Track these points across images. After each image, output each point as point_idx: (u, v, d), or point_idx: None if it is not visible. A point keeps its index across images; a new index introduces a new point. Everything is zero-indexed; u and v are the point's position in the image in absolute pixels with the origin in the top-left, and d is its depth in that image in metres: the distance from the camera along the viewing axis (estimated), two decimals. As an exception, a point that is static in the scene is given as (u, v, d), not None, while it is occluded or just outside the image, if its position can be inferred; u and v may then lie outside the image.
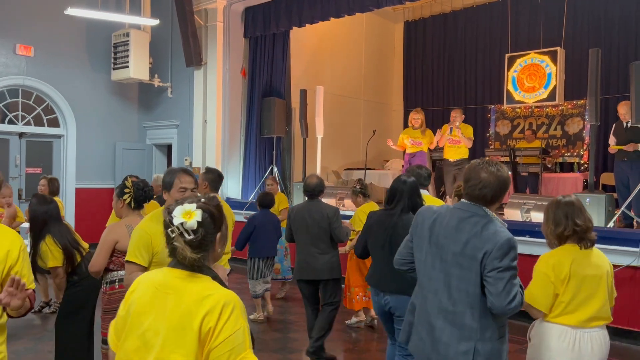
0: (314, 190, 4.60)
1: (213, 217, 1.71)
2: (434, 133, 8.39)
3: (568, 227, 2.63)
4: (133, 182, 3.45)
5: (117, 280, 3.33)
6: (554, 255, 2.65)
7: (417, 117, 8.22)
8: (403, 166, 8.54)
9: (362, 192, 5.51)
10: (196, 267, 1.67)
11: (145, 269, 2.81)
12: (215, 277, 1.72)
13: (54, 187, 5.87)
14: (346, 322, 5.66)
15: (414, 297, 2.52)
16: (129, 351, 1.66)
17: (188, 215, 1.65)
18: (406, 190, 3.57)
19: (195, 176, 3.00)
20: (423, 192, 4.22)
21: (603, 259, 2.71)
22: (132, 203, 3.42)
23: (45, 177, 5.97)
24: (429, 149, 8.46)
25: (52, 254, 3.78)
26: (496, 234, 2.23)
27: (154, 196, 5.29)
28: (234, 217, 4.75)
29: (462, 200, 2.39)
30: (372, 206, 5.24)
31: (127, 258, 2.84)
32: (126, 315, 1.70)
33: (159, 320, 1.62)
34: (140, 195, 3.43)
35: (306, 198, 4.72)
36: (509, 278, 2.19)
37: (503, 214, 6.57)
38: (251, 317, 5.75)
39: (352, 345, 5.25)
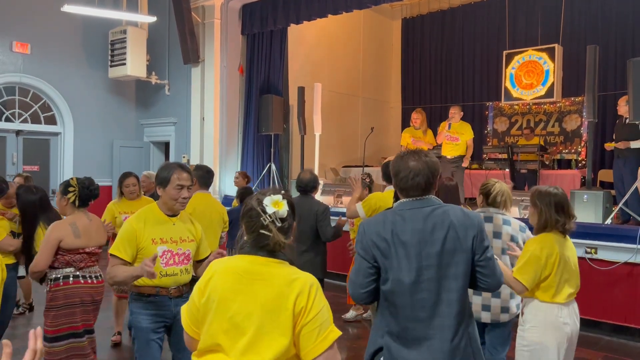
0: (306, 186, 4.51)
1: (292, 207, 1.87)
2: (433, 131, 8.44)
3: (565, 218, 2.89)
4: (78, 180, 3.44)
5: (61, 278, 3.31)
6: (545, 241, 2.86)
7: (416, 117, 8.31)
8: None
9: (368, 186, 5.34)
10: (277, 252, 1.81)
11: (127, 263, 2.81)
12: (292, 262, 1.86)
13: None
14: (343, 316, 5.66)
15: (381, 323, 2.26)
16: (216, 334, 1.75)
17: (277, 204, 1.79)
18: (443, 191, 3.61)
19: (190, 172, 2.97)
20: (390, 187, 4.21)
21: (573, 247, 3.00)
22: (77, 201, 3.40)
23: (20, 175, 6.01)
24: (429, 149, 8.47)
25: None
26: (468, 216, 2.19)
27: (144, 192, 5.32)
28: (226, 217, 4.75)
29: (401, 200, 2.26)
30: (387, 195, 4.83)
31: (110, 251, 2.83)
32: (207, 301, 1.78)
33: (249, 304, 1.73)
34: (85, 193, 3.42)
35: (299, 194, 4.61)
36: (492, 254, 2.21)
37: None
38: None
39: (349, 342, 5.26)
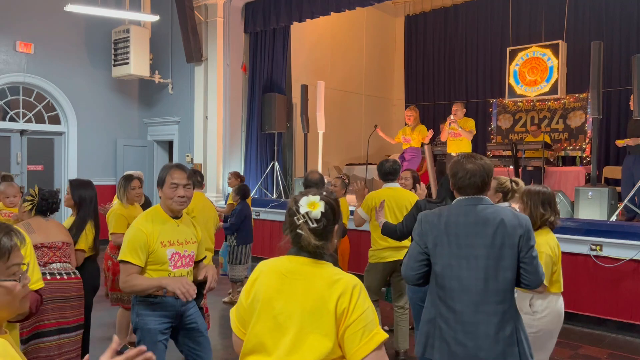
0: (316, 185, 4.56)
1: (333, 209, 1.84)
2: (432, 128, 8.44)
3: (551, 214, 3.14)
4: (40, 190, 3.39)
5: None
6: (548, 238, 3.08)
7: (409, 115, 8.32)
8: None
9: (346, 186, 5.85)
10: (318, 254, 1.80)
11: (141, 269, 2.79)
12: (335, 263, 1.85)
13: None
14: None
15: (432, 307, 2.49)
16: (260, 334, 1.77)
17: (313, 205, 1.79)
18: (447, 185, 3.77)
19: (188, 171, 2.96)
20: (388, 185, 4.50)
21: (555, 237, 3.23)
22: (33, 211, 3.36)
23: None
24: (434, 143, 8.48)
25: (86, 237, 3.68)
26: (517, 217, 2.43)
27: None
28: (217, 216, 4.84)
29: (458, 198, 2.51)
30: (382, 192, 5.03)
31: (122, 257, 2.77)
32: (253, 302, 1.81)
33: (291, 304, 1.75)
34: (44, 205, 3.37)
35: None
36: (536, 254, 2.43)
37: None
38: (225, 299, 6.20)
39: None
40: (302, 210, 1.79)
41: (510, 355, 2.36)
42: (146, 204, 5.48)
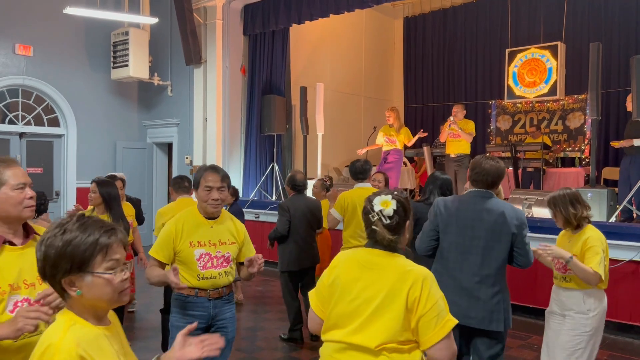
0: (303, 185, 5.05)
1: (404, 207, 2.05)
2: (432, 130, 8.43)
3: (583, 209, 3.29)
4: None
5: None
6: (599, 234, 3.26)
7: (388, 115, 8.26)
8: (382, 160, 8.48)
9: (327, 188, 6.31)
10: (392, 247, 2.02)
11: (162, 265, 2.91)
12: (408, 256, 2.08)
13: None
14: None
15: (435, 276, 2.76)
16: (340, 315, 2.01)
17: (385, 204, 2.01)
18: (438, 184, 4.11)
19: (223, 173, 2.98)
20: (360, 185, 4.72)
21: None
22: None
23: None
24: (433, 144, 8.44)
25: None
26: (515, 211, 3.02)
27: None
28: None
29: (471, 189, 3.10)
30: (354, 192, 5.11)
31: (149, 252, 2.97)
32: (332, 284, 2.05)
33: (367, 291, 1.97)
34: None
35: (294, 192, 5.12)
36: (528, 241, 3.02)
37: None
38: None
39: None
40: (376, 208, 2.01)
41: (495, 319, 2.95)
42: (134, 204, 5.54)
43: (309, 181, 8.32)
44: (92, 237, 1.45)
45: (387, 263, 2.00)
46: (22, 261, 1.95)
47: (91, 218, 1.50)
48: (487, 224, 2.95)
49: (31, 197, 2.00)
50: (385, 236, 1.99)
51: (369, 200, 2.07)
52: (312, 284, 4.62)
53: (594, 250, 3.17)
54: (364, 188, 4.69)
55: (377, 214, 2.00)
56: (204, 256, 2.89)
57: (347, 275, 2.03)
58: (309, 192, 5.69)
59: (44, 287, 1.88)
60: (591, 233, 3.24)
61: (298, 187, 5.05)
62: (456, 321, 1.94)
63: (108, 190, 3.93)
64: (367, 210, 2.04)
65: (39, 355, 1.40)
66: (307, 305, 4.71)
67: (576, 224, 3.27)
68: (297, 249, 4.86)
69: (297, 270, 4.91)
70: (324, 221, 5.46)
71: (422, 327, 1.90)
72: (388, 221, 2.00)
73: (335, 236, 6.59)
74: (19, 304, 1.89)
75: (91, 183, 4.21)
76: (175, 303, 2.97)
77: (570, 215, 3.25)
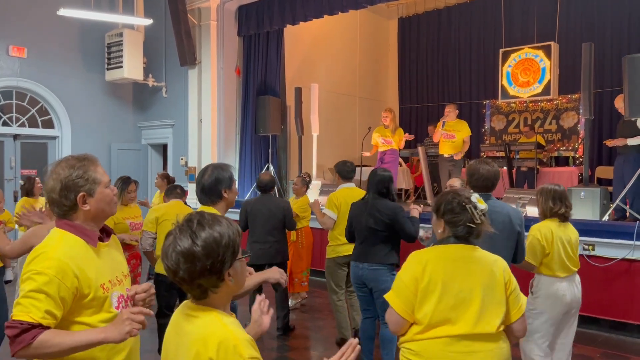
0: (266, 186, 5.28)
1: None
2: (426, 130, 8.45)
3: (561, 207, 3.60)
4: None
5: None
6: (542, 226, 3.60)
7: (385, 116, 8.29)
8: (378, 161, 8.52)
9: (307, 184, 6.52)
10: (470, 241, 2.23)
11: None
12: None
13: None
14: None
15: None
16: (445, 310, 2.13)
17: (481, 201, 2.23)
18: (374, 181, 4.14)
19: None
20: (345, 185, 4.94)
21: (574, 231, 3.69)
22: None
23: None
24: (426, 144, 8.46)
25: None
26: (516, 210, 3.26)
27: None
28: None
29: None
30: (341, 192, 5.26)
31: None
32: (427, 285, 2.15)
33: (469, 282, 2.15)
34: None
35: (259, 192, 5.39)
36: (523, 238, 3.24)
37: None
38: None
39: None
40: (481, 206, 2.20)
41: None
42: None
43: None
44: (233, 227, 1.55)
45: (479, 255, 2.22)
46: (111, 257, 1.99)
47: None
48: (496, 224, 2.99)
49: (115, 194, 2.06)
50: (488, 229, 2.22)
51: (468, 199, 2.21)
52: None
53: (527, 240, 3.51)
54: (351, 188, 4.92)
55: (480, 211, 2.19)
56: None
57: (444, 273, 2.15)
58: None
59: (128, 283, 2.00)
60: (537, 225, 3.61)
61: (260, 188, 5.33)
62: (525, 298, 2.25)
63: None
64: (464, 209, 2.19)
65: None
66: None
67: (546, 216, 3.63)
68: (256, 246, 5.07)
69: (252, 265, 4.95)
70: (305, 220, 5.95)
71: (511, 303, 2.18)
72: (484, 217, 2.21)
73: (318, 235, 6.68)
74: (121, 300, 1.92)
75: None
76: None
77: (546, 208, 3.61)
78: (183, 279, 1.48)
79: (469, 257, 2.20)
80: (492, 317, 2.13)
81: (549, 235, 3.53)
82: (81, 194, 1.89)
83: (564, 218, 3.61)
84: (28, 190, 6.08)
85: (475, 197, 2.22)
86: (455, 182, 4.61)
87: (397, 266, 4.03)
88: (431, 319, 2.13)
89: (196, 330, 1.48)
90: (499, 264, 2.22)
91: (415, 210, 4.19)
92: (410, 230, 3.99)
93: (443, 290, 2.13)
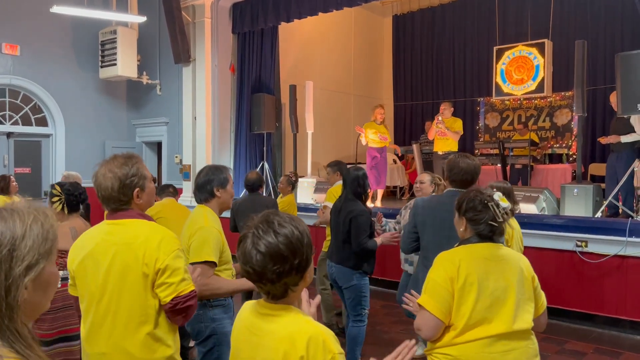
0: (253, 184, 5.31)
1: None
2: (421, 127, 8.50)
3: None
4: (62, 187, 3.31)
5: (60, 280, 3.23)
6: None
7: (382, 112, 8.37)
8: (372, 159, 8.47)
9: (293, 183, 6.57)
10: (494, 239, 2.22)
11: (215, 265, 2.74)
12: None
13: None
14: None
15: (419, 271, 3.16)
16: (481, 310, 2.10)
17: (504, 200, 2.21)
18: (349, 180, 4.12)
19: None
20: (341, 182, 4.76)
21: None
22: (65, 209, 3.28)
23: None
24: (421, 141, 8.50)
25: None
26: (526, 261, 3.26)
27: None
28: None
29: (449, 189, 3.12)
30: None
31: (207, 258, 2.67)
32: (464, 285, 2.11)
33: (501, 280, 2.14)
34: (73, 199, 3.31)
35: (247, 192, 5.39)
36: None
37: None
38: None
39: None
40: (504, 204, 2.19)
41: None
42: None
43: (300, 179, 8.38)
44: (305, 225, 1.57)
45: (506, 253, 2.24)
46: None
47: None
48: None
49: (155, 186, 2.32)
50: (504, 229, 2.22)
51: (490, 197, 2.20)
52: None
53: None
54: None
55: (502, 209, 2.18)
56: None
57: (478, 272, 2.14)
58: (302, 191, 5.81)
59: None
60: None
61: (247, 186, 5.35)
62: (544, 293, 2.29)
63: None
64: (486, 207, 2.18)
65: None
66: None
67: None
68: None
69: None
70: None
71: (536, 299, 2.22)
72: (507, 215, 2.21)
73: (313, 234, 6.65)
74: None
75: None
76: (218, 309, 2.78)
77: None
78: (270, 279, 1.46)
79: (498, 255, 2.20)
80: (526, 313, 2.15)
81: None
82: (137, 189, 2.15)
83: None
84: (3, 188, 6.03)
85: (497, 195, 2.21)
86: (425, 178, 4.49)
87: (363, 271, 3.97)
88: (469, 320, 2.10)
89: (280, 329, 1.46)
90: (524, 261, 2.25)
91: (382, 239, 3.99)
92: (358, 241, 3.87)
93: (480, 290, 2.11)
